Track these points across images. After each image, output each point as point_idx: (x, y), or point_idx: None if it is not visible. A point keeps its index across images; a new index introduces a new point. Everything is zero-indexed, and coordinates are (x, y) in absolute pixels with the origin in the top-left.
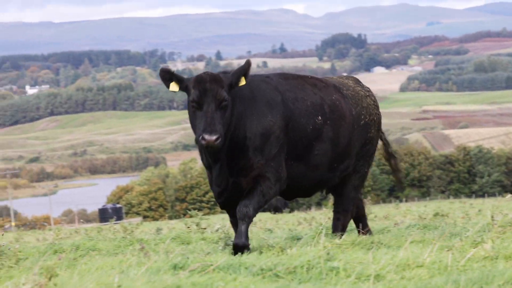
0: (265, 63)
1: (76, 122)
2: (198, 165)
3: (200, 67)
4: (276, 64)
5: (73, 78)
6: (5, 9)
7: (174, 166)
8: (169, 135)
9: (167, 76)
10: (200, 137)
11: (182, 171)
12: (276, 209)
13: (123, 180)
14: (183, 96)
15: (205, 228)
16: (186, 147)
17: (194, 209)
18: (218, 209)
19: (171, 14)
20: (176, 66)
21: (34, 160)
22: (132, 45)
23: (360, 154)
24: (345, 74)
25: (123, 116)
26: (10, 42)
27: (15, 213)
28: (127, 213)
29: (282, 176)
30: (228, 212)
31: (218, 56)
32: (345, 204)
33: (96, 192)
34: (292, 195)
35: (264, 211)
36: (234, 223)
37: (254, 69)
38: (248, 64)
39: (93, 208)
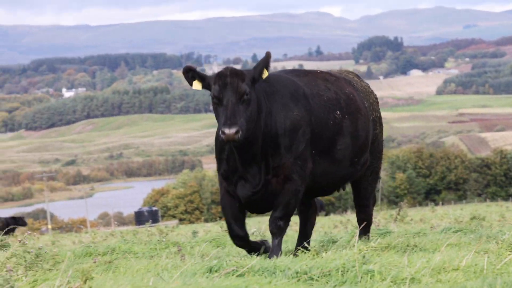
0: (301, 66)
1: (112, 125)
2: None
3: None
4: (312, 67)
5: (109, 81)
6: (42, 12)
7: (210, 169)
8: (205, 138)
9: (190, 74)
10: (220, 131)
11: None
12: None
13: (159, 183)
14: None
15: None
16: None
17: None
18: None
19: (208, 17)
20: (212, 69)
21: (71, 163)
22: (168, 48)
23: (370, 150)
24: (347, 69)
25: (159, 119)
26: (47, 45)
27: (52, 216)
28: (163, 216)
29: (307, 174)
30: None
31: (255, 59)
32: (363, 200)
33: (132, 195)
34: (314, 193)
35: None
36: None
37: None
38: (268, 55)
39: (129, 211)
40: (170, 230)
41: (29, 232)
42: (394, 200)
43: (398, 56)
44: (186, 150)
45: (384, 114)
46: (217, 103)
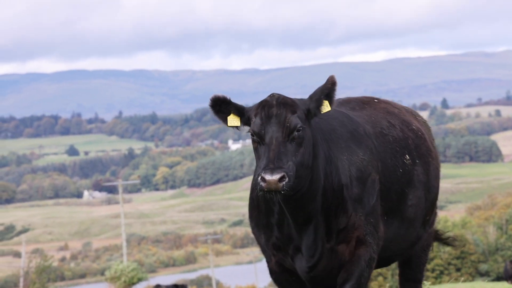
0: (498, 112)
1: None
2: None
3: (423, 117)
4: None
5: None
6: (209, 56)
7: None
8: None
9: (220, 107)
10: (259, 177)
11: None
12: None
13: None
14: None
15: None
16: None
17: None
18: (446, 277)
19: (392, 57)
20: None
21: (238, 223)
22: (347, 94)
23: None
24: None
25: None
26: (212, 92)
27: (217, 283)
28: None
29: (381, 236)
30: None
31: (444, 104)
32: (416, 273)
33: None
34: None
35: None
36: None
37: (485, 119)
38: (332, 81)
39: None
40: None
41: None
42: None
43: None
44: None
45: None
46: (258, 142)
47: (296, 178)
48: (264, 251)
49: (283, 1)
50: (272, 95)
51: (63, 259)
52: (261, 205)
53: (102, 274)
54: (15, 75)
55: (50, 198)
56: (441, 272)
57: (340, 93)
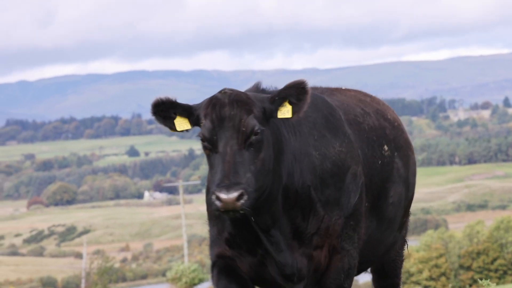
0: None
1: None
2: (486, 228)
3: (485, 116)
4: None
5: None
6: (271, 55)
7: (457, 229)
8: (451, 194)
9: (162, 109)
10: (214, 196)
11: (468, 235)
12: None
13: None
14: (466, 149)
15: None
16: (470, 208)
17: (480, 278)
18: (510, 277)
19: (454, 56)
20: (458, 116)
21: None
22: (408, 93)
23: None
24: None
25: None
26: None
27: None
28: (404, 283)
29: (361, 238)
30: None
31: (506, 103)
32: (393, 278)
33: None
34: None
35: None
36: None
37: None
38: (301, 83)
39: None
40: None
41: None
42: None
43: None
44: (429, 208)
45: None
46: (210, 148)
47: (256, 190)
48: (211, 246)
49: (346, 0)
50: (224, 92)
51: (124, 260)
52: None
53: (163, 275)
54: (76, 76)
55: (111, 199)
56: (505, 272)
57: (401, 92)
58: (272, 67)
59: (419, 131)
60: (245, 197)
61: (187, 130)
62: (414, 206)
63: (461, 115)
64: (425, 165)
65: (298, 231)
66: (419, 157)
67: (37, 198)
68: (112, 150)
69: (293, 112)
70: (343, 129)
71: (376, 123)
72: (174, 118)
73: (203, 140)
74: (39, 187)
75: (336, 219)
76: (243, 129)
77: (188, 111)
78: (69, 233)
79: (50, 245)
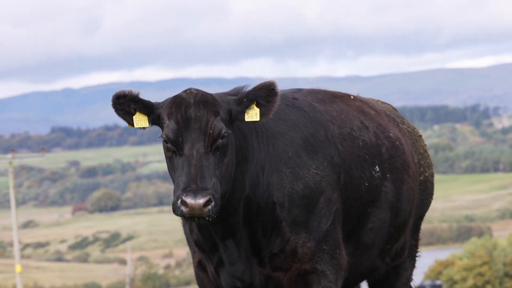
0: None
1: None
2: None
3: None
4: None
5: None
6: (314, 63)
7: (501, 236)
8: (495, 202)
9: (123, 101)
10: (179, 200)
11: None
12: None
13: (443, 253)
14: (510, 156)
15: None
16: None
17: None
18: None
19: (498, 63)
20: (502, 123)
21: None
22: (451, 99)
23: (413, 228)
24: None
25: (442, 180)
26: None
27: None
28: None
29: (343, 265)
30: None
31: None
32: None
33: None
34: None
35: None
36: None
37: None
38: (270, 84)
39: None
40: None
41: None
42: None
43: None
44: (473, 215)
45: None
46: (174, 151)
47: (223, 197)
48: (188, 243)
49: (390, 7)
50: (189, 91)
51: (167, 267)
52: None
53: None
54: (120, 83)
55: (155, 205)
56: None
57: (445, 99)
58: (315, 74)
59: (463, 138)
60: (212, 204)
61: (143, 128)
62: (459, 213)
63: (505, 122)
64: (468, 172)
65: (258, 248)
66: (462, 164)
67: (81, 204)
68: (156, 157)
69: (261, 115)
70: (325, 150)
71: (372, 139)
72: (134, 114)
73: (166, 141)
74: (84, 194)
75: (305, 242)
76: (210, 131)
77: (149, 109)
78: (113, 240)
79: (94, 251)
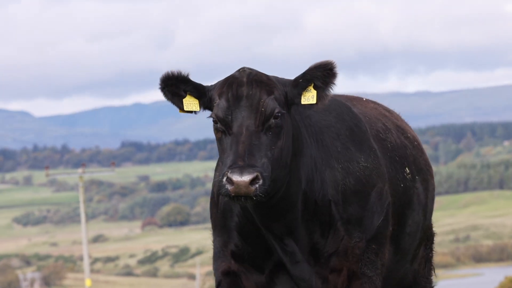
0: None
1: (458, 204)
2: None
3: None
4: None
5: (454, 154)
6: (385, 78)
7: None
8: None
9: (172, 83)
10: (225, 178)
11: None
12: None
13: None
14: None
15: None
16: None
17: None
18: None
19: None
20: None
21: None
22: None
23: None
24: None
25: None
26: None
27: None
28: None
29: (384, 266)
30: None
31: None
32: None
33: (481, 284)
34: None
35: None
36: None
37: None
38: (328, 64)
39: None
40: None
41: None
42: None
43: None
44: None
45: None
46: (223, 131)
47: (273, 180)
48: (215, 260)
49: (464, 22)
50: (242, 70)
51: None
52: (220, 201)
53: None
54: None
55: None
56: None
57: (508, 116)
58: (386, 90)
59: None
60: (260, 182)
61: (195, 112)
62: None
63: None
64: None
65: (315, 248)
66: None
67: (151, 219)
68: None
69: (318, 97)
70: (369, 143)
71: (398, 141)
72: (184, 97)
73: (216, 121)
74: (153, 208)
75: (357, 241)
76: (262, 109)
77: (200, 91)
78: (183, 254)
79: (163, 266)
